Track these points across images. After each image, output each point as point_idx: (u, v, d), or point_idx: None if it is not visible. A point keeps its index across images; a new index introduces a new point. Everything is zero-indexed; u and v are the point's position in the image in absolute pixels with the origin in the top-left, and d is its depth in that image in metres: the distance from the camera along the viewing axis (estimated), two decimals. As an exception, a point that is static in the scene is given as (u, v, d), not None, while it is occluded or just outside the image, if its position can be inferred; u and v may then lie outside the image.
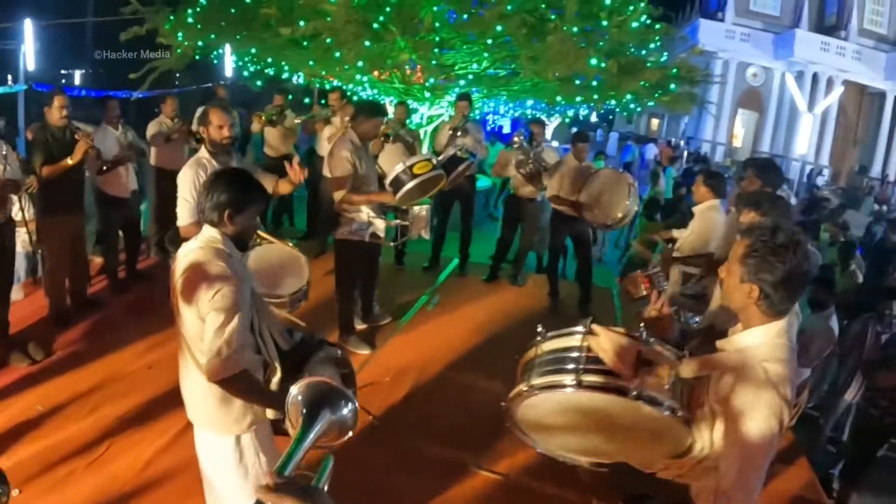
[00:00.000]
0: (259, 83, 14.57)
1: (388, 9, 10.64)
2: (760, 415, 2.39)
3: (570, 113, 17.50)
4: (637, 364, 2.50)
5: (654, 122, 46.50)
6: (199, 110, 10.28)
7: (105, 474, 4.69)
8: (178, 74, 15.55)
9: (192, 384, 3.18)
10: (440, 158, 6.32)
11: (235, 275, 3.00)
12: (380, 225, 6.25)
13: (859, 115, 39.62)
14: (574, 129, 10.56)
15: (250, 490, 3.26)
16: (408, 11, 10.76)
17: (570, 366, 2.62)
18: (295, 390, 1.80)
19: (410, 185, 5.83)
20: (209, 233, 3.09)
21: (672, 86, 13.25)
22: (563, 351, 2.70)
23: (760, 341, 2.53)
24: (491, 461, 5.14)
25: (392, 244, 6.73)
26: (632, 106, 14.92)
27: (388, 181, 6.00)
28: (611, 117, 33.85)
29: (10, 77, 24.70)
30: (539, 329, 2.86)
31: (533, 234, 9.26)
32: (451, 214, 9.23)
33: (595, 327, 2.64)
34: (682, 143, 36.71)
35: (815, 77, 37.30)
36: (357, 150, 6.11)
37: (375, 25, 10.51)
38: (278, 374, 3.22)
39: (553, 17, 10.74)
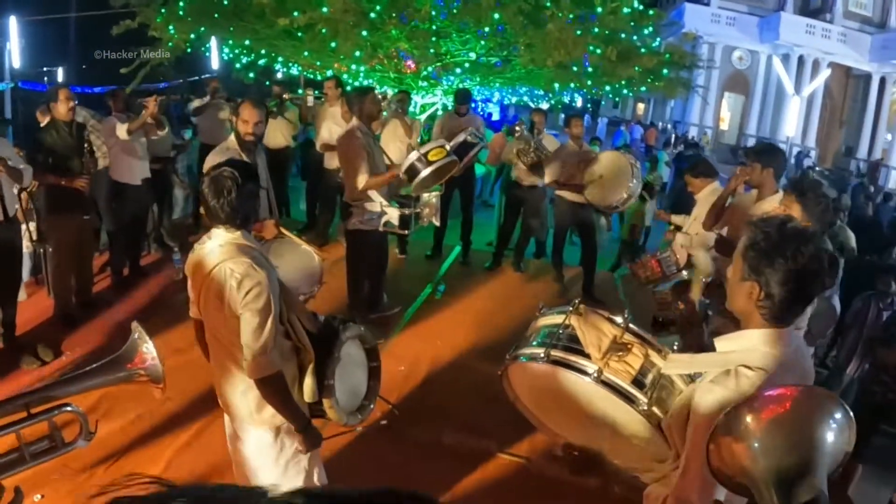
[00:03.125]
0: (251, 75, 14.47)
1: (383, -3, 10.60)
2: (712, 418, 2.05)
3: (561, 99, 17.52)
4: (609, 349, 2.49)
5: (640, 106, 46.41)
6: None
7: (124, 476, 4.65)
8: (161, 68, 15.40)
9: (231, 380, 3.20)
10: (452, 144, 6.33)
11: (262, 268, 3.02)
12: (393, 214, 6.26)
13: (845, 96, 39.77)
14: (563, 116, 10.66)
15: (289, 480, 3.33)
16: (402, 0, 10.72)
17: (549, 340, 2.71)
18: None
19: (426, 172, 5.84)
20: (224, 230, 3.09)
21: (665, 71, 13.29)
22: (549, 327, 2.81)
23: (749, 346, 2.20)
24: (511, 446, 5.18)
25: (405, 233, 6.74)
26: (624, 92, 14.97)
27: (402, 169, 6.00)
28: (602, 102, 33.92)
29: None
30: (540, 305, 2.93)
31: (534, 220, 9.27)
32: (451, 202, 9.22)
33: (582, 307, 2.67)
34: (669, 126, 36.81)
35: (800, 59, 37.35)
36: (365, 138, 6.17)
37: (372, 15, 10.47)
38: (311, 355, 3.26)
39: (548, 4, 10.74)
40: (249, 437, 3.31)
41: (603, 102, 30.91)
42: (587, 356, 2.51)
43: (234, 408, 3.28)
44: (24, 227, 7.20)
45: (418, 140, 8.53)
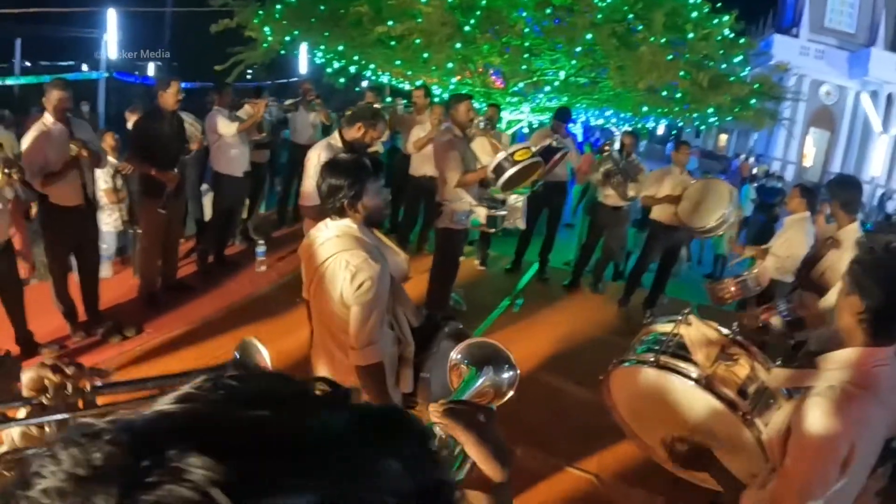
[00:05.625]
0: (342, 80, 14.69)
1: (478, 12, 10.75)
2: (817, 437, 2.09)
3: (644, 125, 17.39)
4: (717, 357, 2.55)
5: (723, 137, 45.78)
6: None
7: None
8: (249, 70, 15.68)
9: (334, 365, 3.29)
10: (538, 148, 6.45)
11: (377, 262, 3.08)
12: (481, 212, 6.42)
13: (934, 137, 38.70)
14: (644, 142, 10.64)
15: None
16: (496, 15, 10.86)
17: (657, 347, 2.81)
18: (457, 354, 1.71)
19: (512, 170, 5.98)
20: (342, 222, 3.16)
21: (752, 101, 13.16)
22: (659, 334, 2.92)
23: (851, 362, 2.20)
24: (580, 461, 5.18)
25: (492, 231, 6.89)
26: (711, 120, 14.85)
27: (490, 168, 6.15)
28: (687, 130, 33.40)
29: (84, 65, 25.40)
30: (647, 313, 3.02)
31: (615, 242, 9.28)
32: (538, 220, 9.29)
33: (691, 318, 2.74)
34: (751, 160, 36.30)
35: (889, 97, 36.53)
36: (459, 141, 6.41)
37: (467, 28, 10.60)
38: (412, 348, 3.37)
39: (641, 27, 10.76)
40: None
41: (688, 129, 30.41)
42: (695, 363, 2.57)
43: None
44: (115, 206, 7.50)
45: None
